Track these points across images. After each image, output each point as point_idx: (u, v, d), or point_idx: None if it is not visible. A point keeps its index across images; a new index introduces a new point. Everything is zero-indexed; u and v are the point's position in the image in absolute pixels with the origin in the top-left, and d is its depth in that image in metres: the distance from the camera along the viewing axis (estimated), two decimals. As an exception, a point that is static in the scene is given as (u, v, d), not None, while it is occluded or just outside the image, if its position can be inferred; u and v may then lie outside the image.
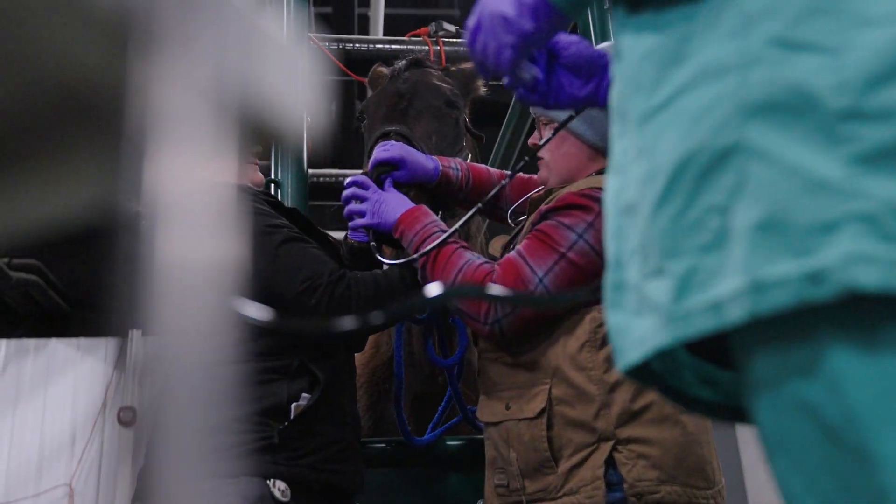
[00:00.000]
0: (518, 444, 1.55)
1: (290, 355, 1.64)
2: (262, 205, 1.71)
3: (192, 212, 0.32)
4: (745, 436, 6.28)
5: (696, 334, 0.63)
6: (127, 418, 5.15)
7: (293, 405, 1.60)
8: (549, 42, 1.05)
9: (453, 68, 2.23)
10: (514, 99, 3.22)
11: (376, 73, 2.30)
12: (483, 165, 2.01)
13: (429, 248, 1.60)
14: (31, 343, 5.60)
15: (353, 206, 1.75)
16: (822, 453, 0.59)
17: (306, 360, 1.64)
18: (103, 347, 6.11)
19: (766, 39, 0.62)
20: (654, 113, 0.69)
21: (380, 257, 1.71)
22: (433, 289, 1.02)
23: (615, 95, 0.78)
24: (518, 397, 1.57)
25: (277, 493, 1.53)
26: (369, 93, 2.27)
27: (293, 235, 1.67)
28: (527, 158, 1.63)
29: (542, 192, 1.70)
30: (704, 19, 0.67)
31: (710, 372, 0.77)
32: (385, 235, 1.73)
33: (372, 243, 1.72)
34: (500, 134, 3.41)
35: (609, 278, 0.75)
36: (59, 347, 5.72)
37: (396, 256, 1.77)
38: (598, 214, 1.56)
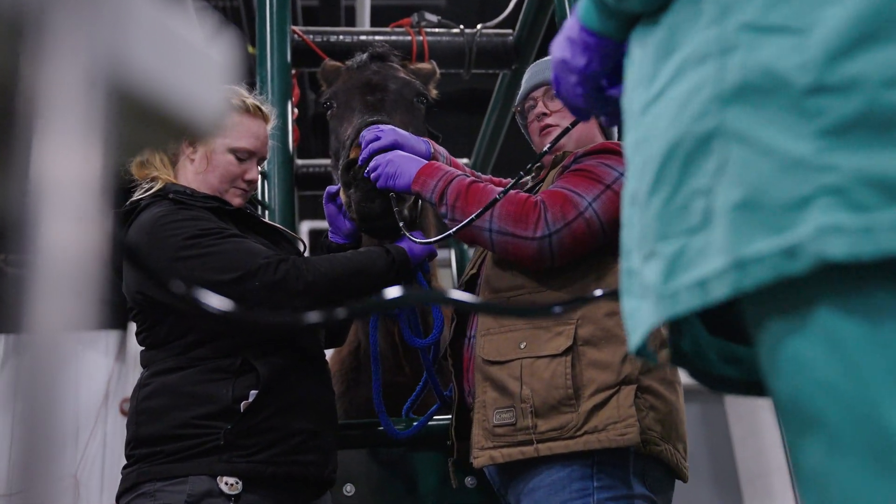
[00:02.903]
0: (535, 381, 1.54)
1: (233, 355, 1.63)
2: (196, 211, 1.70)
3: (73, 203, 0.35)
4: (735, 411, 6.37)
5: (683, 312, 0.66)
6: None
7: (242, 403, 1.60)
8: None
9: (412, 66, 2.23)
10: (496, 88, 3.25)
11: (329, 67, 2.29)
12: (456, 160, 2.04)
13: (475, 214, 1.58)
14: (19, 339, 5.65)
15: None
16: (819, 406, 0.60)
17: (249, 357, 1.63)
18: (104, 340, 6.17)
19: (739, 25, 0.65)
20: (649, 105, 0.72)
21: (412, 239, 1.76)
22: (394, 291, 1.03)
23: (625, 95, 0.81)
24: (534, 336, 1.58)
25: (225, 487, 1.53)
26: (324, 87, 2.26)
27: (227, 234, 1.66)
28: (529, 165, 1.66)
29: (559, 153, 1.79)
30: (688, 11, 0.70)
31: (733, 350, 0.80)
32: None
33: (396, 209, 1.77)
34: (484, 122, 3.44)
35: (623, 266, 0.78)
36: (59, 341, 5.75)
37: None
38: None
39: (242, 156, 1.82)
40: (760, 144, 0.62)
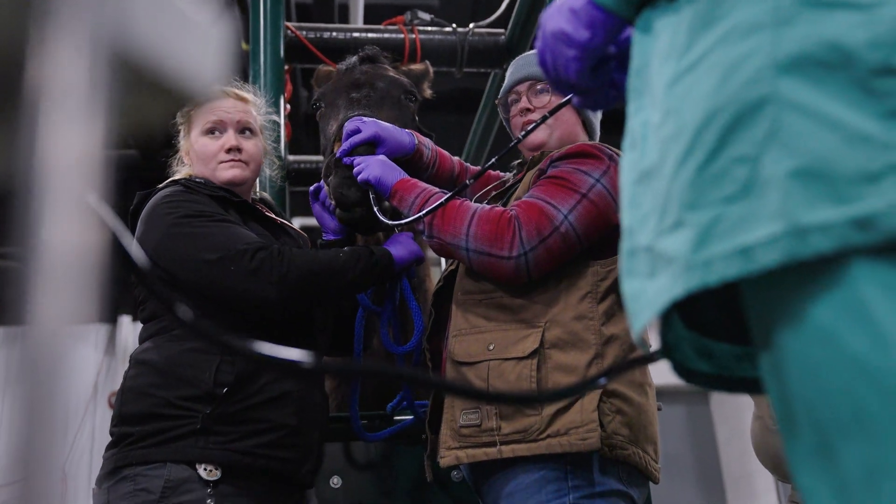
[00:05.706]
0: (500, 383, 1.55)
1: None
2: (199, 196, 1.75)
3: (76, 187, 0.35)
4: (720, 412, 6.41)
5: (715, 282, 0.64)
6: (117, 404, 5.20)
7: (224, 388, 1.61)
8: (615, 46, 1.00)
9: (404, 68, 2.24)
10: (488, 87, 3.27)
11: (322, 72, 2.32)
12: (444, 151, 2.05)
13: (438, 203, 1.60)
14: (19, 330, 5.65)
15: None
16: (844, 379, 0.60)
17: None
18: (93, 334, 6.16)
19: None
20: (683, 74, 0.71)
21: (381, 217, 1.75)
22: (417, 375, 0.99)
23: (636, 73, 0.81)
24: (502, 338, 1.59)
25: (203, 473, 1.55)
26: (315, 90, 2.28)
27: (218, 219, 1.70)
28: (495, 159, 1.65)
29: (538, 154, 1.78)
30: None
31: (707, 345, 0.80)
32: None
33: (372, 196, 1.76)
34: (475, 121, 3.45)
35: (624, 246, 0.77)
36: (48, 334, 5.76)
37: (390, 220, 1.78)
38: (610, 166, 1.63)
39: (214, 129, 1.85)
40: (821, 116, 0.61)
